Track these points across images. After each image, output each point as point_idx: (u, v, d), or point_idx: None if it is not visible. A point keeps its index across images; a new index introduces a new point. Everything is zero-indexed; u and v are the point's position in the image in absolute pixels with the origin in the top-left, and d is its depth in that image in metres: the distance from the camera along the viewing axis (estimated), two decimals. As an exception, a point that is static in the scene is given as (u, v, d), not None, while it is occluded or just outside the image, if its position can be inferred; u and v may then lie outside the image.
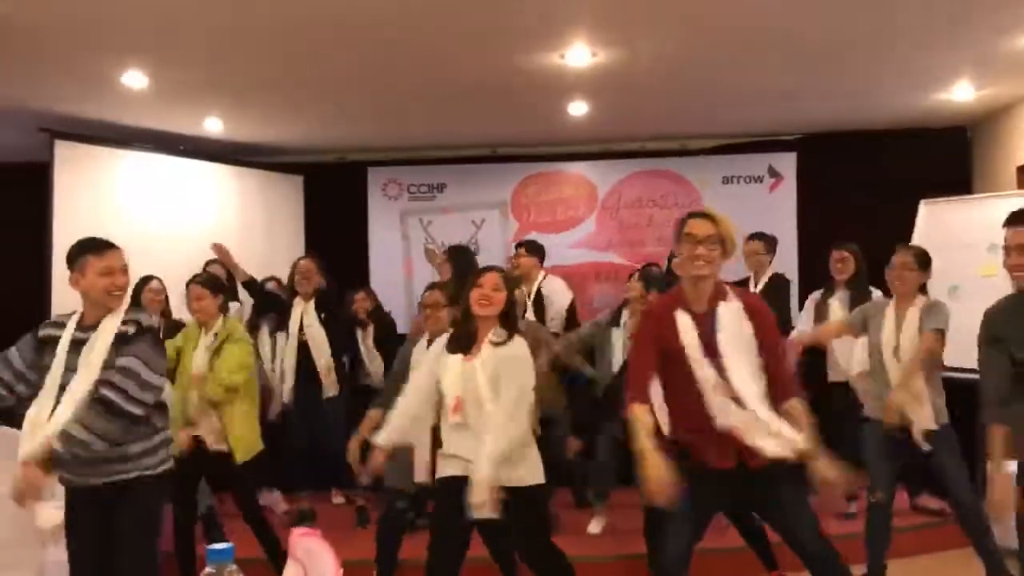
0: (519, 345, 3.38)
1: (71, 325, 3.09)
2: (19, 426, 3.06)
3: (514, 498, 3.28)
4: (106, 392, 2.94)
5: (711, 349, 3.02)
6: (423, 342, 4.11)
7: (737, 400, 2.96)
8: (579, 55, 4.86)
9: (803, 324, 5.33)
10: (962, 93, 5.78)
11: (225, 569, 1.37)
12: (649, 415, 2.94)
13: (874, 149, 6.72)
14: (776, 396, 2.99)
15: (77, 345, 3.04)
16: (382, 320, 5.99)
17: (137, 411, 2.98)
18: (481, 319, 3.41)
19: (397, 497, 4.19)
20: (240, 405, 4.22)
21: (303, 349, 5.33)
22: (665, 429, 3.07)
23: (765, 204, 6.82)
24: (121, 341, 3.04)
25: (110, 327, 3.05)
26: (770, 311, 3.20)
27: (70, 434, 2.86)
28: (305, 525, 5.22)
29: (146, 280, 5.33)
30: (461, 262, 5.27)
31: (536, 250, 5.83)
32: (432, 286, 4.45)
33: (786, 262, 6.30)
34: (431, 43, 4.73)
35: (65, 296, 5.60)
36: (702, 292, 3.09)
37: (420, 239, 7.06)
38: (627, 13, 4.38)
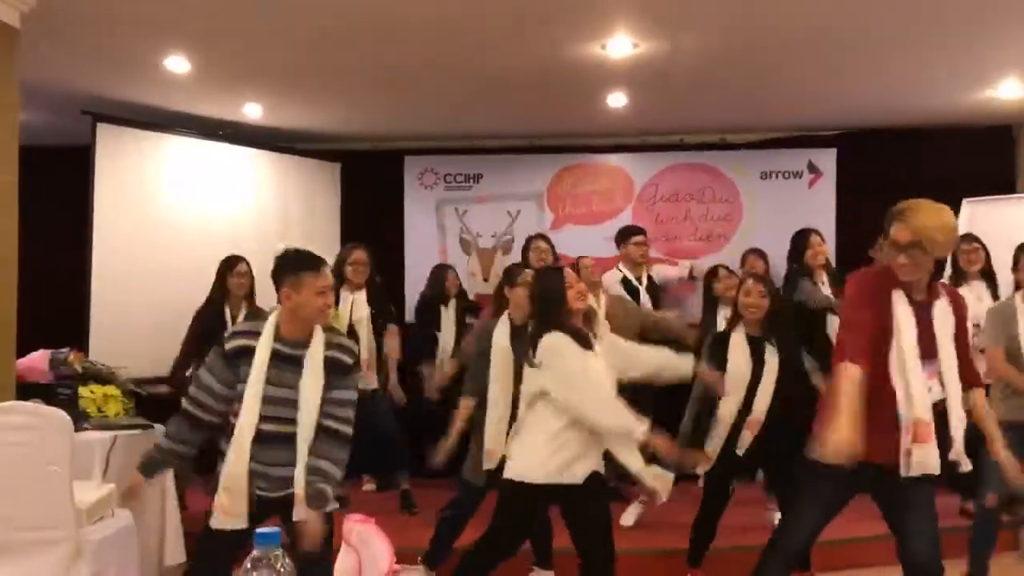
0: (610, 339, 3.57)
1: (268, 336, 3.03)
2: None
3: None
4: (336, 425, 3.00)
5: (927, 341, 2.99)
6: (503, 324, 4.12)
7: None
8: (620, 46, 4.83)
9: None
10: (1008, 91, 5.68)
11: (272, 553, 1.38)
12: (862, 379, 2.86)
13: (916, 147, 6.63)
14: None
15: (281, 359, 3.01)
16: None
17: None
18: (577, 313, 3.40)
19: (470, 490, 4.16)
20: None
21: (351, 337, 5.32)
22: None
23: (804, 200, 6.75)
24: (338, 370, 3.04)
25: (316, 348, 3.04)
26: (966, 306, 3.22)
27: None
28: (339, 510, 5.31)
29: (234, 261, 5.35)
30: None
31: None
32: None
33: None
34: (470, 32, 4.71)
35: (104, 279, 5.75)
36: (918, 284, 3.04)
37: (456, 229, 7.06)
38: (670, 5, 4.35)
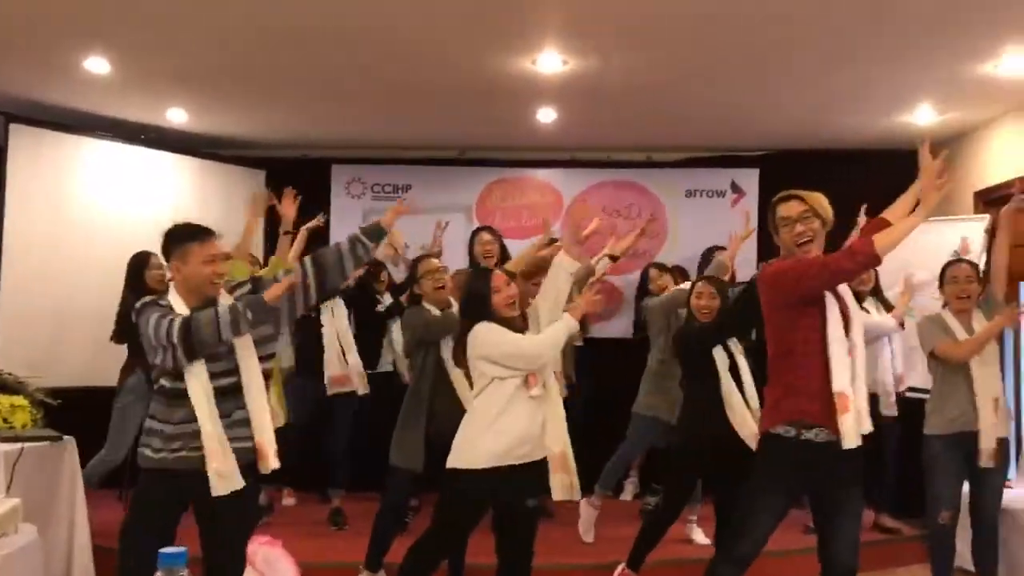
0: None
1: (179, 306, 3.01)
2: None
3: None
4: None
5: (845, 315, 3.10)
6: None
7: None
8: (550, 62, 4.86)
9: None
10: (924, 117, 5.88)
11: (178, 573, 1.33)
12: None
13: (836, 169, 6.77)
14: None
15: None
16: None
17: None
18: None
19: (404, 478, 4.14)
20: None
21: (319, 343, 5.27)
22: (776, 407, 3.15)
23: (727, 219, 6.85)
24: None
25: (227, 300, 3.05)
26: None
27: None
28: (264, 519, 5.21)
29: (146, 256, 5.23)
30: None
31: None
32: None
33: (745, 276, 6.35)
34: (401, 42, 4.69)
35: (14, 285, 5.55)
36: None
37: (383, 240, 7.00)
38: (599, 23, 4.39)
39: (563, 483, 3.41)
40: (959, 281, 4.21)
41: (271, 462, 3.00)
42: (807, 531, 5.30)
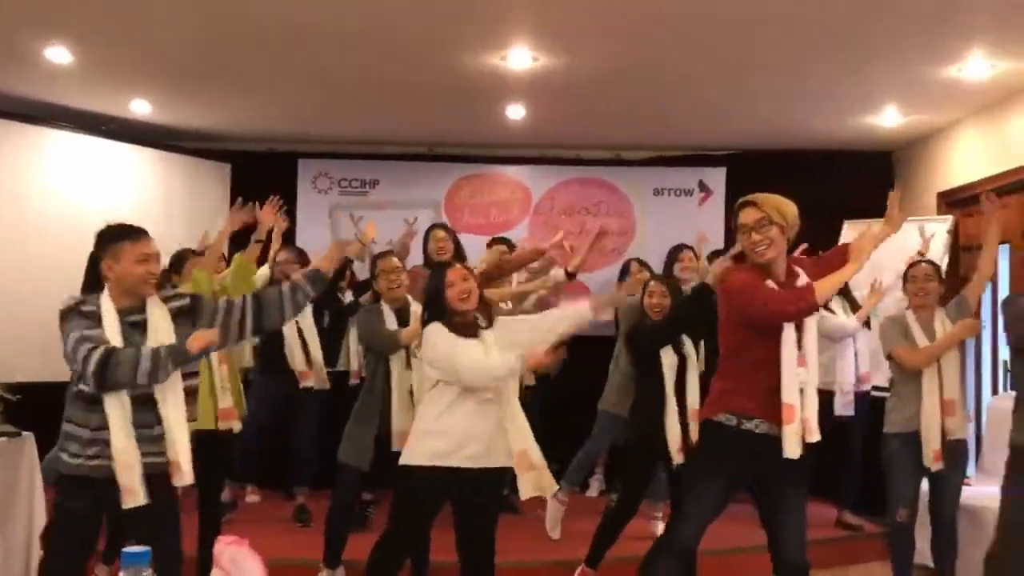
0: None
1: (108, 308, 2.96)
2: None
3: (492, 481, 3.44)
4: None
5: (800, 330, 3.12)
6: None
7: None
8: (520, 58, 4.85)
9: None
10: (889, 119, 5.94)
11: (141, 573, 1.31)
12: None
13: (802, 169, 6.84)
14: None
15: (125, 326, 2.95)
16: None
17: None
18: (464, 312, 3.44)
19: (353, 476, 4.13)
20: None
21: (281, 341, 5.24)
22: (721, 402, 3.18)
23: (694, 217, 6.90)
24: (185, 314, 3.04)
25: (160, 313, 3.00)
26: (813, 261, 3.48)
27: None
28: (227, 515, 5.16)
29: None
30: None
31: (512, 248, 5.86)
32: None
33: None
34: (371, 37, 4.66)
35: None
36: (778, 270, 3.17)
37: (350, 235, 6.93)
38: (569, 20, 4.38)
39: (530, 481, 3.40)
40: (918, 280, 4.27)
41: (186, 477, 2.96)
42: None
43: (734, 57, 4.87)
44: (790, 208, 3.20)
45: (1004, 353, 5.57)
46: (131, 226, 3.07)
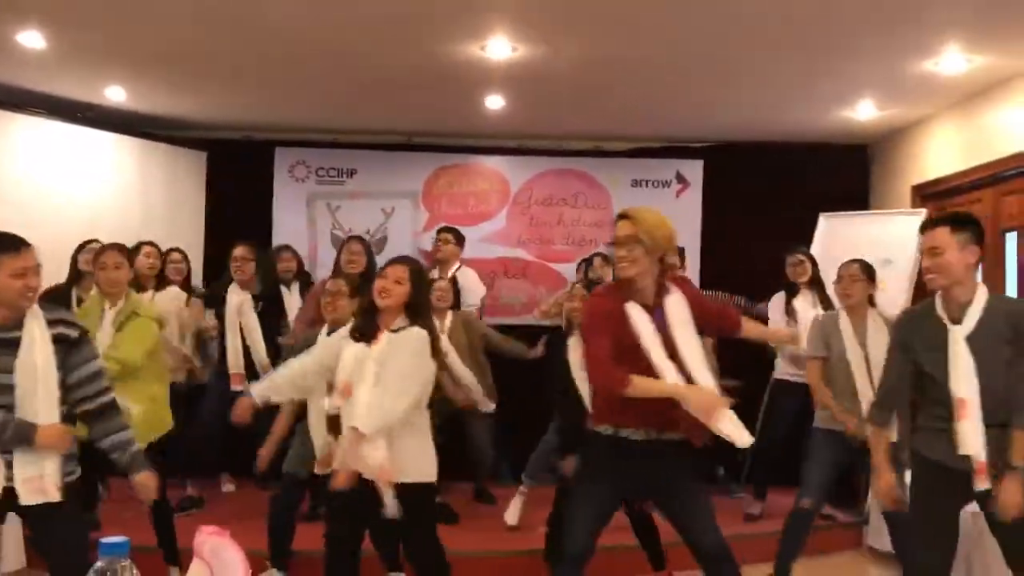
0: (415, 334, 3.37)
1: None
2: None
3: (402, 494, 3.31)
4: (108, 398, 3.05)
5: (667, 342, 3.10)
6: (324, 329, 4.05)
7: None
8: (499, 48, 4.83)
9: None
10: (865, 112, 5.98)
11: (118, 564, 1.30)
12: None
13: (779, 161, 6.90)
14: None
15: (2, 345, 2.88)
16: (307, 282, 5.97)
17: None
18: (383, 310, 3.38)
19: (292, 482, 4.14)
20: (142, 385, 4.02)
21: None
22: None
23: (671, 209, 6.87)
24: (67, 343, 2.97)
25: (37, 326, 2.93)
26: (700, 292, 3.50)
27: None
28: (193, 511, 5.15)
29: (84, 245, 5.21)
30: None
31: (461, 239, 6.03)
32: (336, 274, 4.42)
33: (688, 266, 6.41)
34: (349, 26, 4.62)
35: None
36: (644, 288, 3.16)
37: (327, 224, 6.93)
38: (549, 10, 4.37)
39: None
40: (843, 280, 4.32)
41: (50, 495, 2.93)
42: (747, 519, 5.41)
43: (713, 50, 4.88)
44: (662, 231, 3.16)
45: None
46: (10, 237, 2.96)
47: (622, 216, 3.20)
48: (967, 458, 3.00)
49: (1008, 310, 3.08)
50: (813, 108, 6.00)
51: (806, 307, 5.33)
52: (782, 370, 5.50)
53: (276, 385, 3.62)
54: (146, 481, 3.06)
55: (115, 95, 6.00)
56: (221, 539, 1.30)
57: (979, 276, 4.70)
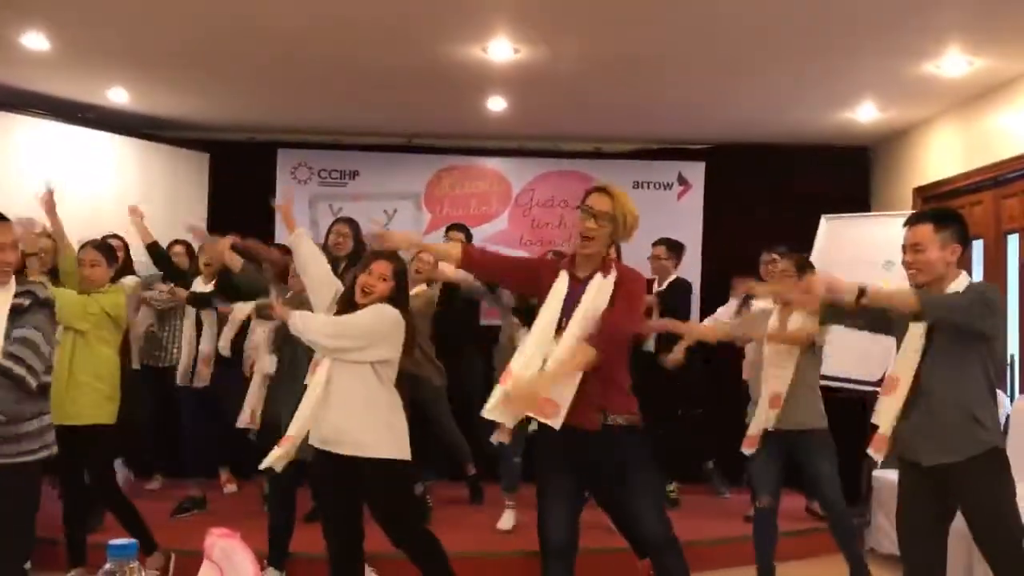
0: (389, 311, 3.44)
1: None
2: None
3: (369, 469, 3.34)
4: (5, 362, 2.89)
5: (565, 315, 3.13)
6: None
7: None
8: (501, 49, 4.84)
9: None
10: (866, 114, 5.99)
11: (126, 566, 1.31)
12: None
13: (780, 163, 6.91)
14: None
15: None
16: None
17: (32, 382, 2.94)
18: (361, 305, 3.43)
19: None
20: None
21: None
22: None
23: (673, 210, 6.93)
24: (17, 312, 2.97)
25: (3, 300, 2.96)
26: (643, 293, 3.40)
27: None
28: (194, 512, 5.15)
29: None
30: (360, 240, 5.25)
31: (470, 238, 5.93)
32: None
33: (690, 268, 6.43)
34: (351, 28, 4.64)
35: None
36: (589, 262, 3.20)
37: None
38: (550, 13, 4.39)
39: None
40: (774, 277, 4.35)
41: None
42: (746, 520, 5.41)
43: (714, 52, 4.89)
44: (633, 216, 3.21)
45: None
46: None
47: (601, 190, 3.21)
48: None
49: None
50: (814, 110, 6.01)
51: (767, 303, 5.32)
52: None
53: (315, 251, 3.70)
54: None
55: (117, 96, 6.01)
56: (231, 541, 1.30)
57: (981, 277, 4.72)
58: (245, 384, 4.93)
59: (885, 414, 3.10)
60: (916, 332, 3.08)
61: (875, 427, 3.18)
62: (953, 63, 4.86)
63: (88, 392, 4.05)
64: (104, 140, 6.33)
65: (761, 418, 4.18)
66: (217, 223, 6.73)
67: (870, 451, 3.13)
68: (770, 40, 4.69)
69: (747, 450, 4.21)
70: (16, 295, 3.02)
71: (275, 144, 6.99)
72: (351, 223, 5.46)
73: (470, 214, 6.98)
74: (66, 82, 5.71)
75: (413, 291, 5.09)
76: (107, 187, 6.28)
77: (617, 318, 3.14)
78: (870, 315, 3.17)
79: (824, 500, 4.34)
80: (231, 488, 5.84)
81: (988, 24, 4.36)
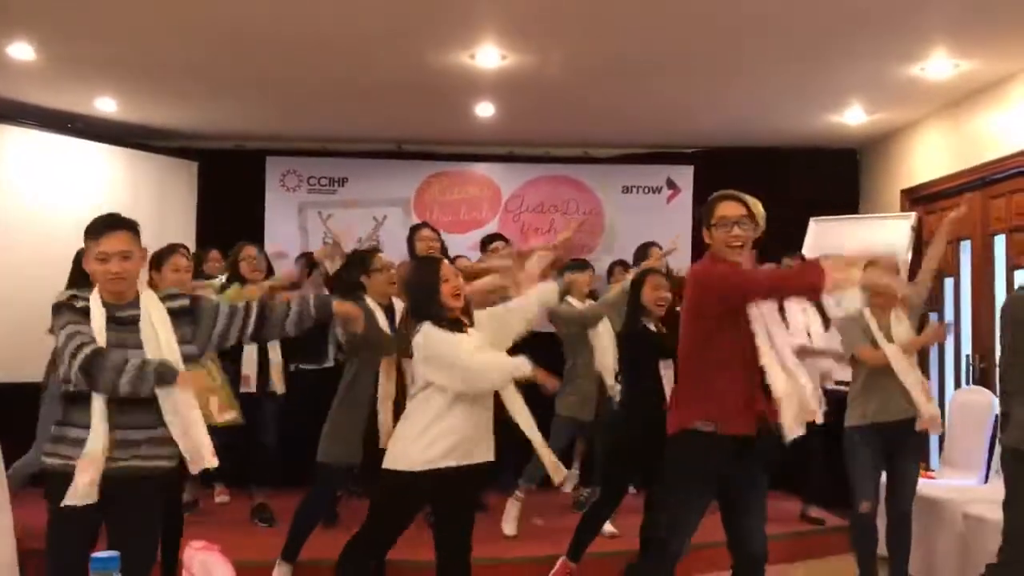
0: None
1: (95, 301, 2.83)
2: None
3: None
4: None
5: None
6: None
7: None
8: (489, 56, 4.85)
9: None
10: (854, 116, 6.01)
11: (109, 578, 1.30)
12: None
13: (769, 166, 6.91)
14: None
15: (115, 321, 2.83)
16: None
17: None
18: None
19: (338, 471, 4.11)
20: None
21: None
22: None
23: (662, 214, 6.95)
24: (184, 315, 2.94)
25: (152, 302, 2.91)
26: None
27: None
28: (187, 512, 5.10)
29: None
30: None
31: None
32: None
33: (680, 271, 6.43)
34: (339, 35, 4.64)
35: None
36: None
37: (319, 233, 6.93)
38: (537, 19, 4.40)
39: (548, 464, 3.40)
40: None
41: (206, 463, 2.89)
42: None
43: (702, 56, 4.91)
44: (762, 218, 3.29)
45: (966, 347, 5.66)
46: (100, 220, 2.91)
47: (729, 197, 3.23)
48: None
49: None
50: (802, 113, 6.03)
51: (796, 309, 5.31)
52: None
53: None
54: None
55: (105, 106, 6.01)
56: (210, 554, 1.30)
57: (969, 277, 4.75)
58: (249, 397, 4.99)
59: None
60: None
61: None
62: (939, 66, 4.89)
63: None
64: (92, 149, 6.32)
65: (923, 403, 4.12)
66: (206, 231, 6.74)
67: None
68: (757, 44, 4.71)
69: (938, 429, 4.31)
70: (167, 299, 2.96)
71: (263, 152, 6.99)
72: (433, 228, 5.41)
73: (460, 220, 6.99)
74: (53, 92, 5.70)
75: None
76: (96, 196, 6.24)
77: None
78: None
79: (900, 507, 4.27)
80: (223, 499, 5.81)
81: (973, 27, 4.38)
